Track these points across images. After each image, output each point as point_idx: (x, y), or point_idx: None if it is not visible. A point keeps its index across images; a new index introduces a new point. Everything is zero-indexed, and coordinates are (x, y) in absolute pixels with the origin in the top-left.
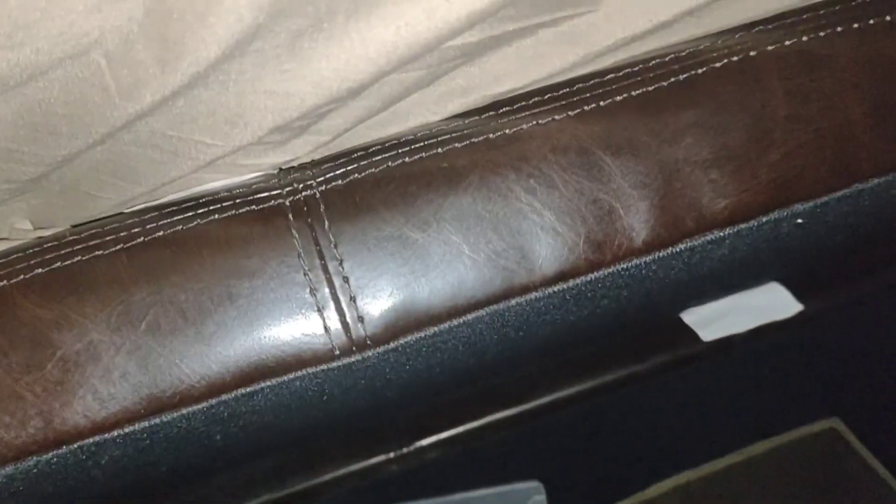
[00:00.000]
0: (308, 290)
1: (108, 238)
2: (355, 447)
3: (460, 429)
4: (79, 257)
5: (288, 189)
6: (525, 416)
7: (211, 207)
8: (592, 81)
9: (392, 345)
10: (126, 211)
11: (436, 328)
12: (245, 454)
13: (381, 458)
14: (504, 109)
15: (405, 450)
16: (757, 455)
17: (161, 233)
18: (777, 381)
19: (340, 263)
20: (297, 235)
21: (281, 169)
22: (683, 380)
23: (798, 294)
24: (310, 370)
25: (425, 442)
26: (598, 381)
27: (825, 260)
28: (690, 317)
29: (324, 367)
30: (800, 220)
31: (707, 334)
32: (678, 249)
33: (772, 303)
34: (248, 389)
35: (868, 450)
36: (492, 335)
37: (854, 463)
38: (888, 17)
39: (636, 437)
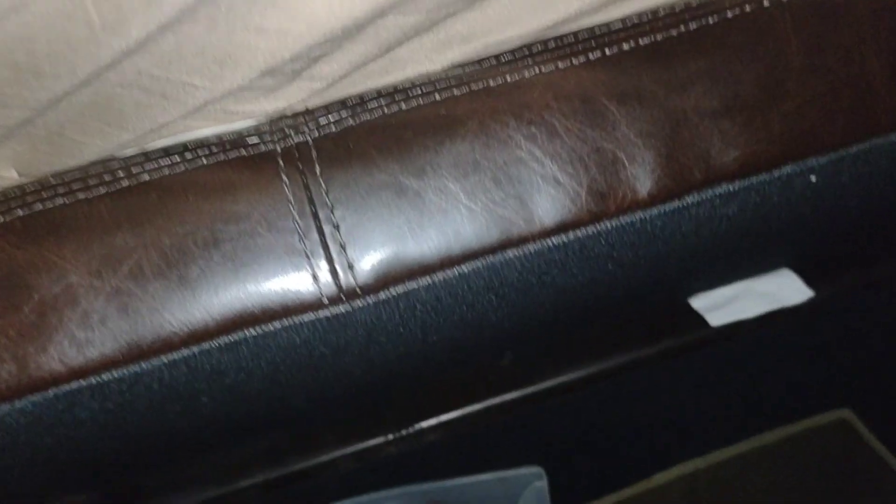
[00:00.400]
0: (297, 236)
1: (91, 182)
2: (353, 428)
3: (460, 412)
4: (61, 200)
5: (279, 135)
6: (527, 401)
7: (199, 153)
8: (599, 31)
9: (383, 295)
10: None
11: (429, 279)
12: (234, 424)
13: (380, 440)
14: (506, 58)
15: (404, 432)
16: (765, 445)
17: (146, 177)
18: (787, 370)
19: (331, 210)
20: (287, 181)
21: (273, 119)
22: (691, 366)
23: (809, 280)
24: (297, 319)
25: (425, 425)
26: (603, 366)
27: (839, 233)
28: (699, 302)
29: (311, 316)
30: (813, 178)
31: (715, 319)
32: (685, 203)
33: (782, 289)
34: (231, 338)
35: (879, 441)
36: (489, 294)
37: (865, 454)
38: None
39: (641, 423)
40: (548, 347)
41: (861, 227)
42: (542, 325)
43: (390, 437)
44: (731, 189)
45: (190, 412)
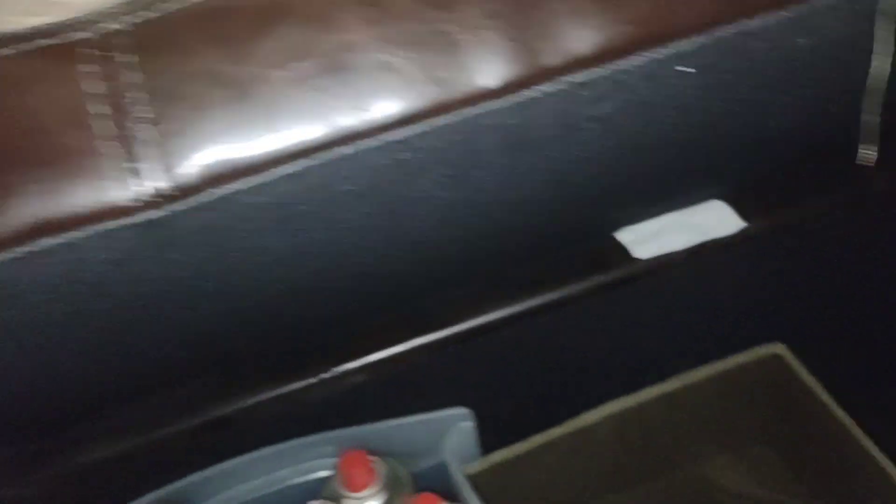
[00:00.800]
0: (108, 130)
1: None
2: (271, 373)
3: (385, 353)
4: None
5: (96, 24)
6: (454, 340)
7: (8, 44)
8: None
9: (205, 197)
10: None
11: (256, 178)
12: (120, 361)
13: (301, 384)
14: None
15: (326, 375)
16: (697, 382)
17: None
18: (719, 305)
19: (147, 103)
20: (100, 72)
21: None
22: (619, 303)
23: (742, 212)
24: (109, 225)
25: (348, 367)
26: (531, 304)
27: (745, 147)
28: (625, 235)
29: (125, 221)
30: (682, 69)
31: (642, 252)
32: (539, 94)
33: (712, 220)
34: (34, 248)
35: (812, 376)
36: (335, 201)
37: (798, 390)
38: None
39: (569, 362)
40: (471, 285)
41: (768, 143)
42: (427, 254)
43: (312, 380)
44: (590, 77)
45: (60, 347)
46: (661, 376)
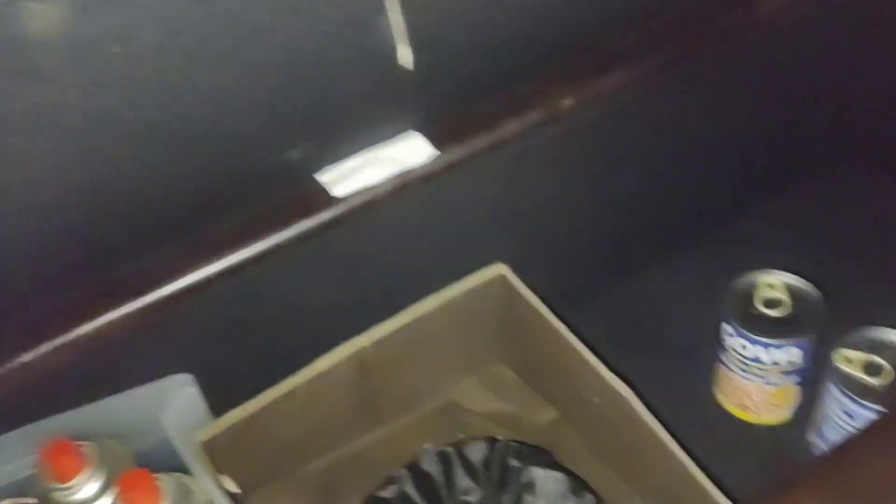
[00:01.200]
0: None
1: None
2: None
3: (88, 326)
4: None
5: None
6: (167, 303)
7: None
8: None
9: None
10: None
11: None
12: None
13: None
14: None
15: (13, 364)
16: (429, 311)
17: None
18: (437, 234)
19: None
20: None
21: None
22: (334, 245)
23: (438, 142)
24: None
25: (44, 348)
26: (233, 260)
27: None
28: (325, 175)
29: None
30: None
31: (340, 190)
32: None
33: (406, 151)
34: None
35: (533, 291)
36: None
37: (521, 306)
38: None
39: (293, 311)
40: (169, 246)
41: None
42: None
43: (10, 364)
44: None
45: None
46: (393, 311)
